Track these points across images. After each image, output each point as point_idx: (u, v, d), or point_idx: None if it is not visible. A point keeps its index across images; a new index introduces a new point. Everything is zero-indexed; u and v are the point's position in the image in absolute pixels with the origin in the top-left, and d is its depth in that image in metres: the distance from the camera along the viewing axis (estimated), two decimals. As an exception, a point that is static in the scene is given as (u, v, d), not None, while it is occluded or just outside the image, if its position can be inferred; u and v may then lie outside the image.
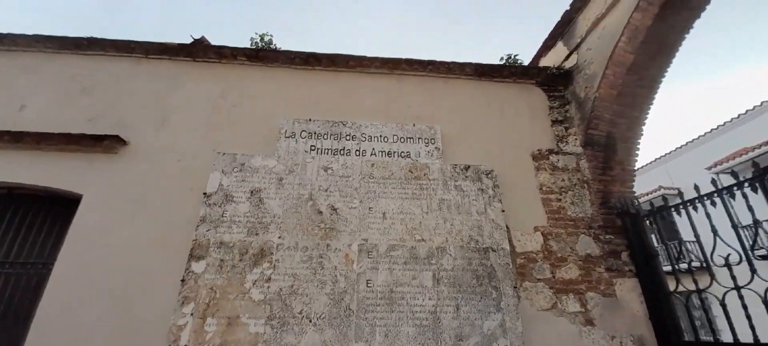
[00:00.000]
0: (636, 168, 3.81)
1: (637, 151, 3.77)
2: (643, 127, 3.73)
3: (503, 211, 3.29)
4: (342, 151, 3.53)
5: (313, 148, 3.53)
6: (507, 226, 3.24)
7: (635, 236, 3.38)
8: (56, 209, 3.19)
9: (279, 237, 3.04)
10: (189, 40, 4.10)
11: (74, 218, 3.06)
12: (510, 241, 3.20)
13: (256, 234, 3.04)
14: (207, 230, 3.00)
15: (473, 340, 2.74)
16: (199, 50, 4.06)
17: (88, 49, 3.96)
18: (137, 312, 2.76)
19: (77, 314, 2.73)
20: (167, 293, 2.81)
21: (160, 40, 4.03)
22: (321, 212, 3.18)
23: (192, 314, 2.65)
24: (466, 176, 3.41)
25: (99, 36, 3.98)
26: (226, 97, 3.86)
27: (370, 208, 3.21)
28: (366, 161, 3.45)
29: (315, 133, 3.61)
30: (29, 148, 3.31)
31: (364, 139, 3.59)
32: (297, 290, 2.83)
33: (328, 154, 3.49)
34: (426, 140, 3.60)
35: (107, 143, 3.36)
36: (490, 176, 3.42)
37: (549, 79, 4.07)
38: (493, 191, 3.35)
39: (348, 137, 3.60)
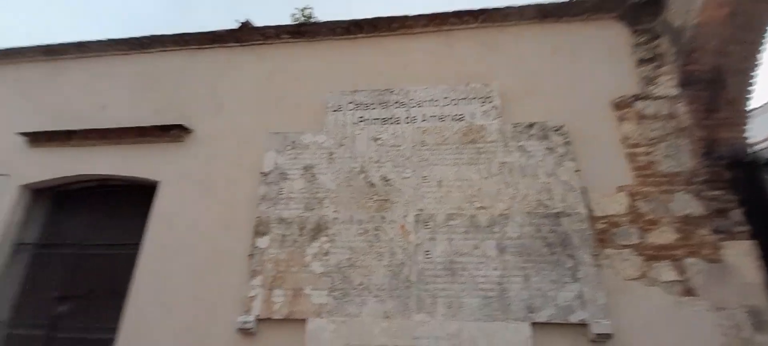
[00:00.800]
0: (751, 108, 3.08)
1: (752, 87, 3.02)
2: (762, 55, 2.96)
3: (577, 171, 2.88)
4: (391, 120, 3.37)
5: (361, 119, 3.42)
6: (583, 187, 2.85)
7: (751, 191, 2.77)
8: (140, 195, 3.54)
9: (334, 211, 3.04)
10: (236, 25, 4.18)
11: (154, 203, 3.38)
12: (587, 204, 2.81)
13: (312, 209, 3.07)
14: (267, 208, 3.11)
15: (546, 312, 2.50)
16: (245, 34, 4.12)
17: (150, 47, 4.25)
18: (213, 284, 2.99)
19: (163, 287, 3.05)
20: (237, 267, 2.99)
21: (210, 30, 4.15)
22: (373, 184, 3.10)
23: (261, 286, 2.80)
24: (530, 135, 3.04)
25: (158, 33, 4.24)
26: (274, 78, 3.89)
27: (424, 176, 3.04)
28: (417, 128, 3.26)
29: (362, 103, 3.49)
30: (112, 143, 3.69)
31: (413, 105, 3.38)
32: (355, 262, 2.82)
33: (376, 124, 3.36)
34: (481, 100, 3.27)
35: (174, 133, 3.61)
36: (559, 132, 3.01)
37: (633, 11, 3.39)
38: (564, 149, 2.94)
39: (396, 105, 3.42)
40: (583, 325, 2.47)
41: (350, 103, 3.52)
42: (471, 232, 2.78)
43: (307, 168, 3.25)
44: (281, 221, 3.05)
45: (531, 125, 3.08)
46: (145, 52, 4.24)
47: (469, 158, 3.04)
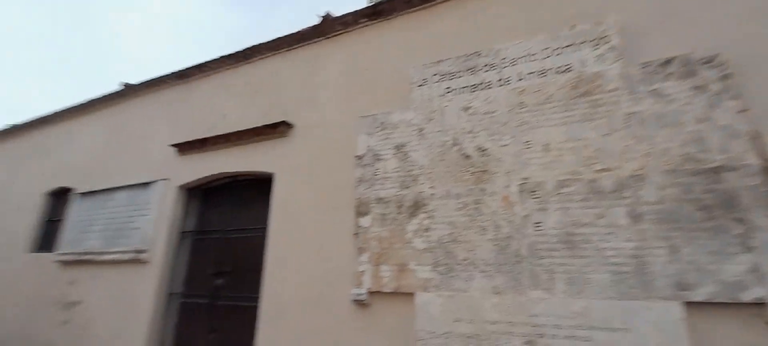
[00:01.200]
0: None
1: None
2: None
3: (743, 111, 2.21)
4: (481, 86, 3.11)
5: (448, 90, 3.26)
6: (753, 132, 2.17)
7: None
8: (263, 186, 4.10)
9: (430, 187, 2.99)
10: (318, 21, 4.38)
11: (273, 192, 3.86)
12: (761, 152, 2.14)
13: (408, 187, 3.09)
14: (365, 189, 3.25)
15: (705, 289, 2.03)
16: (326, 27, 4.30)
17: (251, 57, 4.79)
18: (327, 260, 3.30)
19: (289, 264, 3.49)
20: (345, 245, 3.23)
21: (297, 30, 4.46)
22: (468, 156, 2.94)
23: (368, 262, 2.97)
24: (667, 75, 2.44)
25: (256, 43, 4.75)
26: (358, 63, 3.98)
27: (525, 142, 2.74)
28: (512, 90, 2.94)
29: (448, 73, 3.31)
30: (234, 144, 4.33)
31: (505, 65, 3.06)
32: (457, 237, 2.75)
33: (465, 92, 3.16)
34: (594, 43, 2.75)
35: (280, 129, 4.03)
36: (712, 64, 2.34)
37: None
38: (721, 86, 2.28)
39: (486, 68, 3.14)
40: (759, 304, 1.94)
41: (435, 75, 3.38)
42: (592, 199, 2.41)
43: (398, 147, 3.27)
44: (379, 200, 3.15)
45: (668, 62, 2.46)
46: (248, 62, 4.81)
47: (583, 114, 2.62)
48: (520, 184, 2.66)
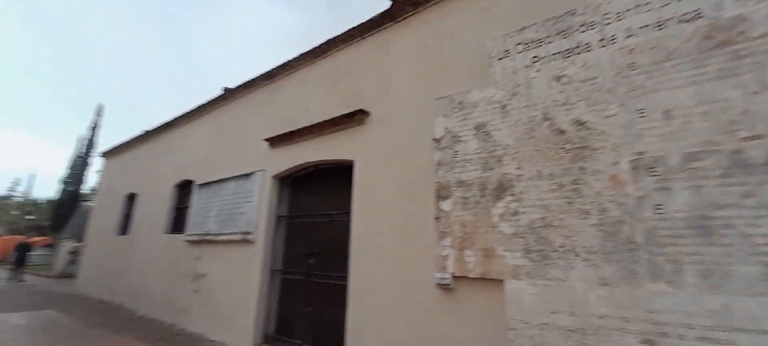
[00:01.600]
0: None
1: None
2: None
3: None
4: (577, 50, 2.73)
5: (535, 59, 2.94)
6: None
7: None
8: (345, 173, 4.32)
9: (517, 168, 2.78)
10: (388, 5, 4.35)
11: (354, 178, 4.04)
12: None
13: (491, 169, 2.91)
14: (445, 172, 3.17)
15: None
16: (396, 10, 4.24)
17: (328, 51, 5.01)
18: (408, 243, 3.34)
19: (371, 246, 3.64)
20: (426, 229, 3.23)
21: (367, 18, 4.50)
22: (563, 131, 2.63)
23: (451, 246, 2.92)
24: None
25: (331, 36, 4.94)
26: (430, 43, 3.86)
27: (639, 110, 2.33)
28: (619, 50, 2.51)
29: (534, 41, 2.98)
30: (317, 135, 4.63)
31: (609, 20, 2.62)
32: (551, 222, 2.51)
33: (557, 59, 2.81)
34: (735, -24, 2.17)
35: (357, 117, 4.16)
36: None
37: None
38: None
39: (583, 28, 2.74)
40: None
41: (518, 44, 3.07)
42: (735, 174, 1.95)
43: (479, 127, 3.09)
44: (460, 183, 3.05)
45: None
46: (325, 56, 5.05)
47: (720, 70, 2.10)
48: (633, 160, 2.29)
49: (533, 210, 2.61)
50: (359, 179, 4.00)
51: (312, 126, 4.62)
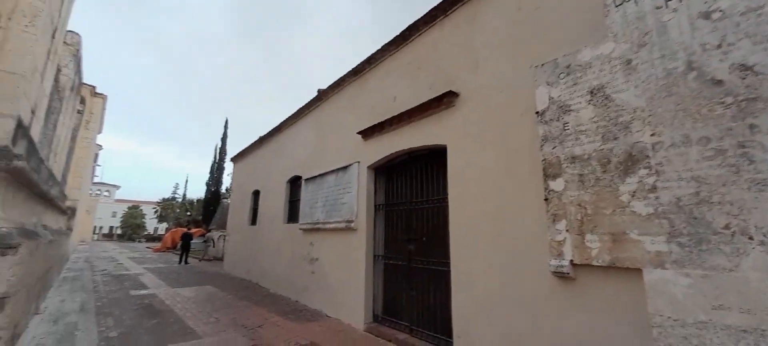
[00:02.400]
0: None
1: None
2: None
3: None
4: (737, -29, 2.08)
5: (670, -4, 2.35)
6: None
7: None
8: (438, 159, 4.28)
9: (651, 134, 2.30)
10: (471, -27, 4.04)
11: (447, 163, 3.96)
12: None
13: (615, 139, 2.48)
14: (553, 148, 2.83)
15: None
16: (482, -24, 3.91)
17: (410, 37, 4.96)
18: (514, 229, 3.12)
19: (471, 231, 3.52)
20: (531, 211, 2.96)
21: (449, -8, 4.27)
22: (719, 81, 2.06)
23: (567, 231, 2.61)
24: None
25: (412, 21, 4.87)
26: (524, 4, 3.45)
27: None
28: (813, -45, 1.81)
29: (667, -27, 2.38)
30: (407, 123, 4.66)
31: None
32: (708, 198, 2.01)
33: (705, -10, 2.19)
34: None
35: (446, 100, 4.03)
36: None
37: None
38: None
39: (746, -61, 2.06)
40: None
41: (644, -18, 2.50)
42: None
43: (594, 91, 2.66)
44: (574, 159, 2.68)
45: None
46: (408, 43, 5.01)
47: None
48: None
49: (679, 184, 2.13)
50: (453, 163, 3.89)
51: (400, 115, 4.67)
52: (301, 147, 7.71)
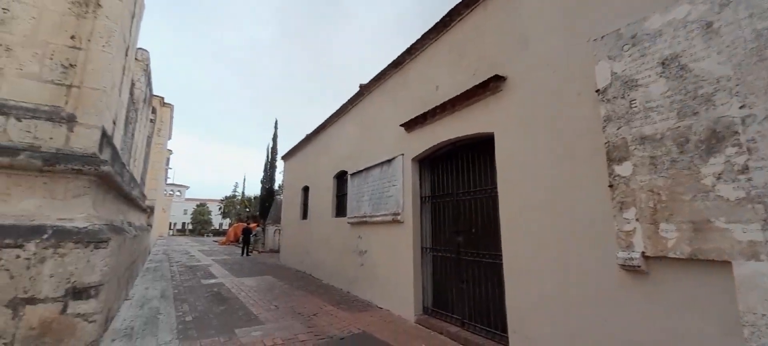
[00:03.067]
0: None
1: None
2: None
3: None
4: None
5: (765, -59, 1.99)
6: None
7: None
8: (485, 147, 4.13)
9: (740, 107, 1.99)
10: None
11: (495, 151, 3.80)
12: None
13: (694, 114, 2.18)
14: (617, 129, 2.57)
15: None
16: (528, -52, 3.64)
17: (450, 24, 4.80)
18: (573, 219, 2.91)
19: (524, 222, 3.35)
20: (593, 199, 2.73)
21: (492, -30, 4.04)
22: (837, 37, 1.71)
23: (637, 220, 2.37)
24: None
25: (451, 6, 4.70)
26: (579, -27, 3.15)
27: None
28: None
29: None
30: (450, 112, 4.54)
31: None
32: (821, 176, 1.69)
33: (815, -74, 1.82)
34: None
35: (491, 85, 3.85)
36: None
37: None
38: None
39: None
40: None
41: (729, -72, 2.14)
42: None
43: (666, 62, 2.36)
44: (643, 140, 2.42)
45: None
46: (449, 29, 4.86)
47: None
48: None
49: (780, 163, 1.82)
50: (502, 150, 3.72)
51: (443, 104, 4.55)
52: (346, 143, 7.90)
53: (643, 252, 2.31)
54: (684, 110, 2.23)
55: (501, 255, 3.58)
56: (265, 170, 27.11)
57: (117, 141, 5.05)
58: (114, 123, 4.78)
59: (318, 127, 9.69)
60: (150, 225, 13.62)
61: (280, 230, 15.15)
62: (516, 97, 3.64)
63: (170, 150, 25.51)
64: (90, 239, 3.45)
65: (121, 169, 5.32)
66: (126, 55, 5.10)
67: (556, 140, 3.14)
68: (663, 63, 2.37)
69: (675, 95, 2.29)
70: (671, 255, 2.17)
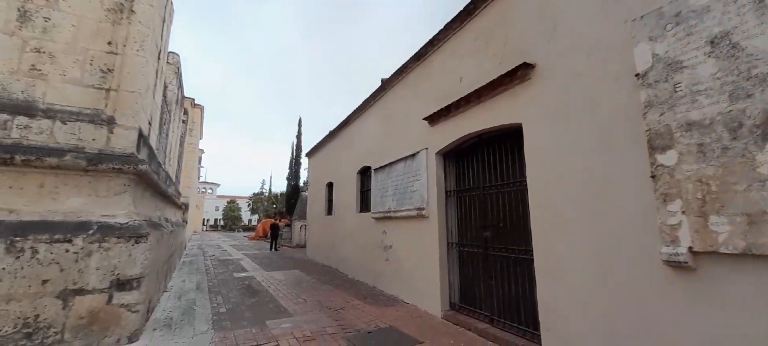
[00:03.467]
0: None
1: None
2: None
3: None
4: None
5: None
6: None
7: None
8: (512, 139, 3.98)
9: (807, 86, 1.78)
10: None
11: (524, 142, 3.65)
12: None
13: (748, 96, 1.99)
14: (659, 115, 2.39)
15: None
16: (557, -74, 3.44)
17: (474, 12, 4.65)
18: (607, 211, 2.75)
19: (556, 217, 3.20)
20: (632, 190, 2.56)
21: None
22: None
23: (683, 212, 2.19)
24: None
25: (476, -8, 4.54)
26: (614, -51, 2.94)
27: None
28: None
29: None
30: (475, 104, 4.41)
31: None
32: None
33: None
34: None
35: (520, 73, 3.70)
36: None
37: None
38: None
39: None
40: None
41: None
42: None
43: (715, 41, 2.16)
44: (690, 126, 2.23)
45: None
46: (473, 18, 4.71)
47: None
48: None
49: None
50: (531, 141, 3.57)
51: (468, 95, 4.43)
52: (369, 138, 7.90)
53: (690, 247, 2.14)
54: (736, 93, 2.03)
55: (531, 250, 3.46)
56: (290, 167, 27.77)
57: (153, 141, 5.33)
58: (149, 124, 5.04)
59: (341, 124, 9.76)
60: (185, 221, 14.35)
61: (306, 225, 15.50)
62: (546, 85, 3.47)
63: (202, 149, 26.68)
64: (131, 234, 3.67)
65: (158, 167, 5.62)
66: (158, 58, 5.35)
67: (591, 129, 2.98)
68: (712, 42, 2.17)
69: (726, 77, 2.09)
70: (722, 250, 2.00)
